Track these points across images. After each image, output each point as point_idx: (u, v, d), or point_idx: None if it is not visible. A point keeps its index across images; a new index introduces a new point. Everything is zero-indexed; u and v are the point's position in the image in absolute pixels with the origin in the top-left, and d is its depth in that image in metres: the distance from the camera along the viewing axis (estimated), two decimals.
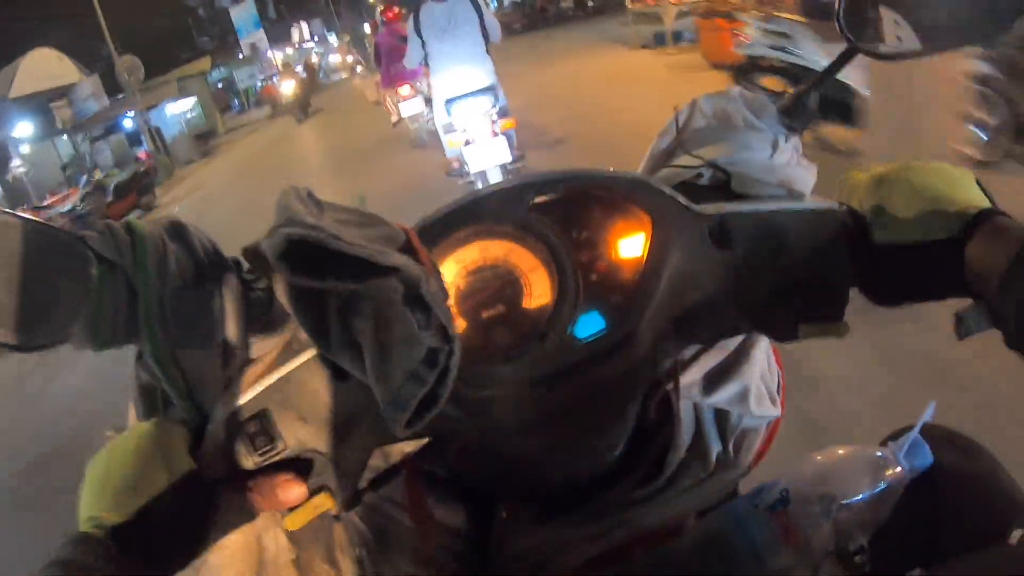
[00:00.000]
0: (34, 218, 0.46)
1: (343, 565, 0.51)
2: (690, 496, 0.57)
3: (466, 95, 3.89)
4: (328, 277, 0.40)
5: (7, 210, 0.47)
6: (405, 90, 6.28)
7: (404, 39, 5.89)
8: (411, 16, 4.08)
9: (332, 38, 34.47)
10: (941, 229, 0.44)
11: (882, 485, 0.50)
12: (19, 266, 0.45)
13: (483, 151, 3.83)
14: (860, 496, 0.50)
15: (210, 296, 0.46)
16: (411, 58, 4.20)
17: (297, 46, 30.50)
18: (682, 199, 0.47)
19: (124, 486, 0.42)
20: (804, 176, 0.50)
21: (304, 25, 31.77)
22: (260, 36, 27.61)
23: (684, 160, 0.49)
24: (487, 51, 4.36)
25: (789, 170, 0.49)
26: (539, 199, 0.48)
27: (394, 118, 6.81)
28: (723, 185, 0.50)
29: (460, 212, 0.48)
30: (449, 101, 3.86)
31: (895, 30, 0.52)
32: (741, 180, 0.49)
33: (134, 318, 0.46)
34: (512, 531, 0.60)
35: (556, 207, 0.48)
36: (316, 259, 0.39)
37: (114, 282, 0.45)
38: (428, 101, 6.18)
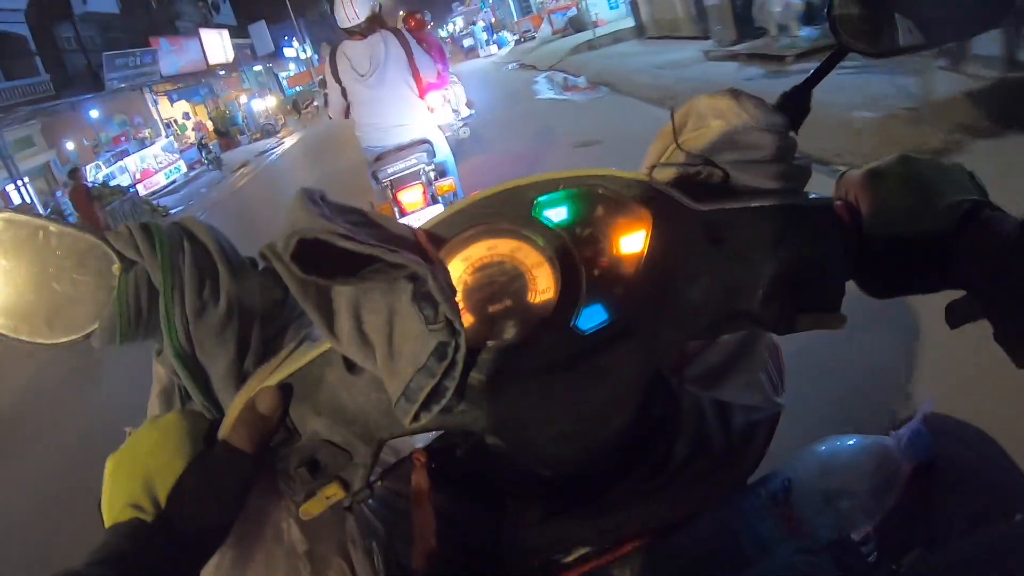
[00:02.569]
0: (59, 220, 0.48)
1: (355, 557, 0.53)
2: (696, 489, 0.58)
3: (391, 152, 3.29)
4: (339, 275, 0.42)
5: (33, 213, 0.49)
6: (433, 99, 5.48)
7: (430, 45, 5.24)
8: (327, 58, 3.39)
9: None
10: (932, 223, 0.45)
11: (884, 475, 0.51)
12: (45, 267, 0.48)
13: (413, 221, 3.00)
14: (862, 486, 0.51)
15: (227, 294, 0.48)
16: (332, 108, 3.49)
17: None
18: (680, 196, 0.49)
19: (149, 476, 0.44)
20: (799, 172, 0.51)
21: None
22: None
23: (682, 159, 0.51)
24: (435, 94, 3.73)
25: (785, 166, 0.50)
26: (543, 197, 0.49)
27: None
28: (721, 182, 0.51)
29: (467, 212, 0.49)
30: (372, 163, 3.30)
31: (889, 27, 0.53)
32: (738, 177, 0.50)
33: (154, 315, 0.48)
34: (521, 525, 0.61)
35: (560, 205, 0.49)
36: (327, 258, 0.41)
37: (135, 281, 0.47)
38: (455, 111, 5.85)
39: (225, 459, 0.45)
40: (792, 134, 0.51)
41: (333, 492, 0.49)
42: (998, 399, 1.29)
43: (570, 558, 0.59)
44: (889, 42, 0.53)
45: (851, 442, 0.53)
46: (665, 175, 0.51)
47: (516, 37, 23.78)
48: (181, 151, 15.57)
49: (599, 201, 0.49)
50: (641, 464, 0.58)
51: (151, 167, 14.17)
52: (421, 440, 0.60)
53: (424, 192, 3.22)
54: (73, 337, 0.48)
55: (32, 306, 0.48)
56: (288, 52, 29.68)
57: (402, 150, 3.31)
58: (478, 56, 24.10)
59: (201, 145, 16.26)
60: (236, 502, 0.46)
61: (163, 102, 19.92)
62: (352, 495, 0.50)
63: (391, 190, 3.24)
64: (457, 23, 33.98)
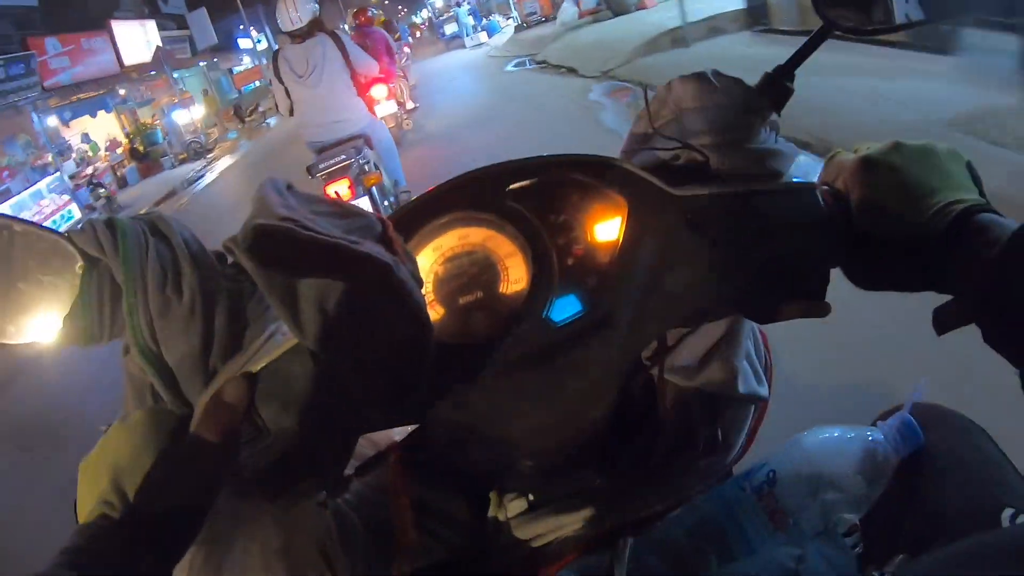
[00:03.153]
0: (18, 217, 0.47)
1: (332, 554, 0.52)
2: (681, 480, 0.57)
3: (328, 147, 3.57)
4: (301, 268, 0.40)
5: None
6: (377, 92, 5.79)
7: (376, 41, 6.24)
8: (271, 62, 3.64)
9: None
10: (922, 225, 0.43)
11: (871, 467, 0.50)
12: (8, 266, 0.46)
13: None
14: (849, 478, 0.50)
15: (191, 289, 0.47)
16: (281, 106, 3.74)
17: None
18: (657, 181, 0.47)
19: (117, 474, 0.43)
20: (782, 156, 0.49)
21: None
22: None
23: (660, 143, 0.49)
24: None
25: (767, 150, 0.48)
26: (516, 185, 0.48)
27: None
28: (700, 166, 0.49)
29: (438, 200, 0.48)
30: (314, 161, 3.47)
31: (882, 1, 0.51)
32: (718, 161, 0.49)
33: (119, 314, 0.47)
34: (504, 518, 0.60)
35: (533, 192, 0.48)
36: (293, 249, 0.39)
37: (98, 279, 0.46)
38: (400, 104, 6.53)
39: (194, 452, 0.45)
40: (775, 116, 0.50)
41: (307, 490, 0.48)
42: (985, 387, 1.28)
43: (554, 550, 0.58)
44: (883, 17, 0.51)
45: (837, 433, 0.52)
46: (642, 160, 0.50)
47: (516, 22, 19.52)
48: (76, 188, 10.89)
49: (573, 188, 0.48)
50: (625, 456, 0.57)
51: (36, 214, 8.98)
52: (399, 434, 0.59)
53: (351, 185, 3.33)
54: (39, 337, 0.47)
55: None
56: (244, 44, 24.14)
57: (337, 145, 3.59)
58: (463, 46, 19.27)
59: (93, 183, 11.57)
60: (206, 495, 0.45)
61: (69, 121, 13.89)
62: (327, 490, 0.49)
63: (323, 183, 3.39)
64: (436, 4, 29.76)
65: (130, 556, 0.40)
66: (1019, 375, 0.37)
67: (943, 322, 0.42)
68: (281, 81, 3.59)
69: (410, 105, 7.35)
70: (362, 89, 4.08)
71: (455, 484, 0.61)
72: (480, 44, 18.75)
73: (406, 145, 6.51)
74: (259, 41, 23.31)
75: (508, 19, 21.39)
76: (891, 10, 0.51)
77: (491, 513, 0.60)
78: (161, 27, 18.22)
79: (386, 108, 6.02)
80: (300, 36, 3.47)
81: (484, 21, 21.13)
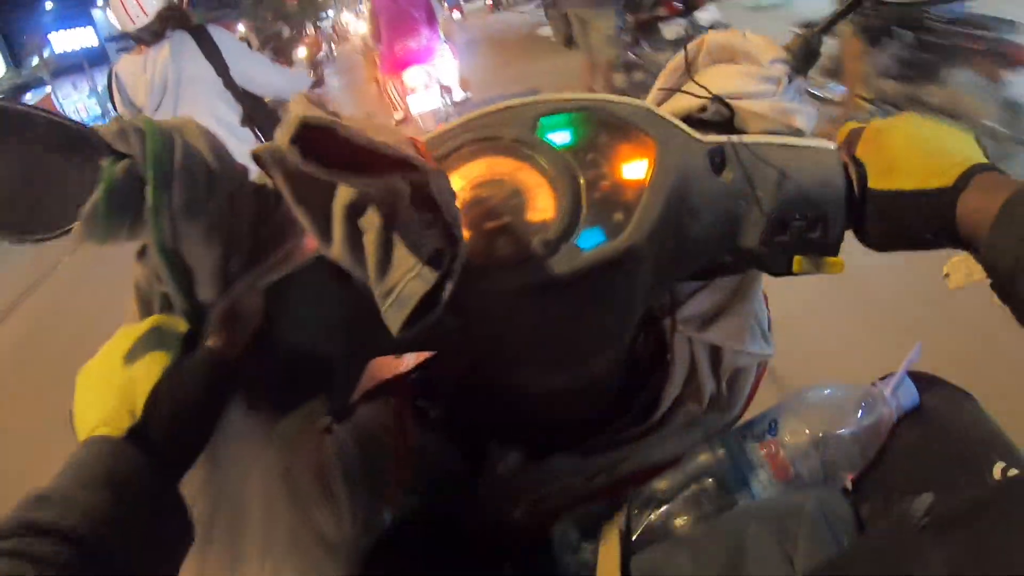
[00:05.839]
0: (46, 110, 0.46)
1: (331, 480, 0.51)
2: (684, 435, 0.57)
3: None
4: (340, 168, 0.40)
5: (21, 103, 0.47)
6: (413, 77, 4.06)
7: (412, 2, 4.09)
8: (107, 88, 2.29)
9: None
10: (936, 178, 0.45)
11: (870, 422, 0.51)
12: (30, 158, 0.45)
13: None
14: (848, 432, 0.51)
15: (218, 195, 0.46)
16: None
17: None
18: (685, 127, 0.48)
19: (124, 384, 0.42)
20: (805, 116, 0.51)
21: None
22: None
23: (692, 88, 0.51)
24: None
25: (791, 109, 0.50)
26: (548, 118, 0.49)
27: (397, 115, 4.27)
28: (726, 121, 0.51)
29: (468, 127, 0.49)
30: None
31: None
32: (744, 116, 0.50)
33: (139, 212, 0.46)
34: (503, 470, 0.60)
35: (564, 126, 0.49)
36: (332, 147, 0.39)
37: (123, 174, 0.45)
38: (447, 90, 4.27)
39: (204, 364, 0.44)
40: (801, 78, 0.52)
41: (312, 408, 0.47)
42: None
43: (553, 502, 0.58)
44: None
45: (837, 391, 0.53)
46: (672, 107, 0.51)
47: None
48: None
49: (603, 127, 0.49)
50: (630, 410, 0.58)
51: None
52: (406, 365, 0.58)
53: None
54: (55, 232, 0.46)
55: (12, 200, 0.46)
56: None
57: None
58: None
59: None
60: (214, 409, 0.44)
61: None
62: (333, 414, 0.49)
63: None
64: None
65: (139, 472, 0.39)
66: None
67: (957, 277, 0.44)
68: (115, 108, 2.30)
69: (459, 95, 4.37)
70: (393, 67, 3.27)
71: (455, 433, 0.60)
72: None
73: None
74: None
75: None
76: None
77: (490, 465, 0.60)
78: None
79: (425, 102, 4.11)
80: (146, 41, 2.08)
81: None
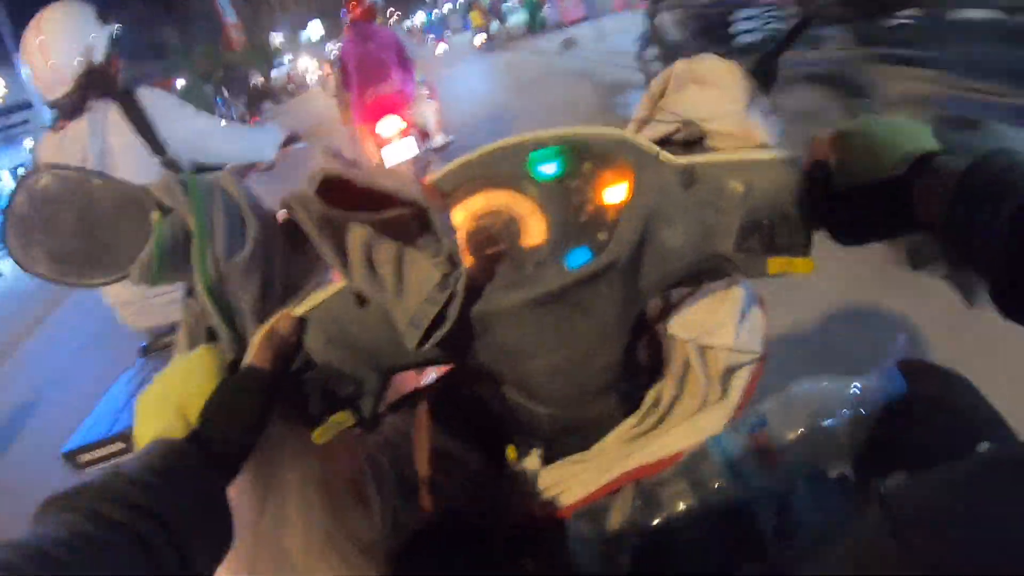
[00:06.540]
0: (101, 172, 0.54)
1: (363, 485, 0.57)
2: (682, 431, 0.61)
3: (160, 337, 1.80)
4: (357, 210, 0.47)
5: (79, 167, 0.54)
6: (388, 127, 3.81)
7: (383, 45, 3.85)
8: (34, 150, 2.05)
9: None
10: (889, 169, 0.49)
11: (857, 412, 0.54)
12: (90, 217, 0.53)
13: None
14: (836, 420, 0.54)
15: (254, 240, 0.53)
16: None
17: None
18: (661, 151, 0.54)
19: (180, 401, 0.49)
20: (771, 131, 0.56)
21: None
22: None
23: (664, 117, 0.56)
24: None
25: (755, 125, 0.55)
26: (536, 153, 0.55)
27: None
28: (698, 141, 0.56)
29: (468, 166, 0.55)
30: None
31: None
32: (714, 136, 0.55)
33: (186, 258, 0.53)
34: (521, 470, 0.65)
35: (551, 160, 0.55)
36: (350, 193, 0.46)
37: (171, 226, 0.52)
38: (424, 135, 4.06)
39: (249, 379, 0.50)
40: (764, 96, 0.56)
41: (344, 418, 0.53)
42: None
43: (566, 498, 0.63)
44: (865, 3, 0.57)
45: (825, 383, 0.57)
46: (651, 133, 0.57)
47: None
48: None
49: (586, 157, 0.54)
50: (630, 411, 0.62)
51: None
52: (427, 378, 0.64)
53: None
54: (112, 278, 0.53)
55: (76, 252, 0.53)
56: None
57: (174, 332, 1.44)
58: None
59: None
60: (260, 420, 0.50)
61: None
62: (363, 424, 0.55)
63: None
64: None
65: (195, 473, 0.45)
66: (988, 293, 0.41)
67: (917, 259, 0.47)
68: None
69: (440, 140, 4.25)
70: (365, 117, 3.04)
71: (475, 436, 0.66)
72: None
73: None
74: None
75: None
76: None
77: (509, 466, 0.65)
78: None
79: (401, 151, 3.86)
80: (65, 112, 1.75)
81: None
